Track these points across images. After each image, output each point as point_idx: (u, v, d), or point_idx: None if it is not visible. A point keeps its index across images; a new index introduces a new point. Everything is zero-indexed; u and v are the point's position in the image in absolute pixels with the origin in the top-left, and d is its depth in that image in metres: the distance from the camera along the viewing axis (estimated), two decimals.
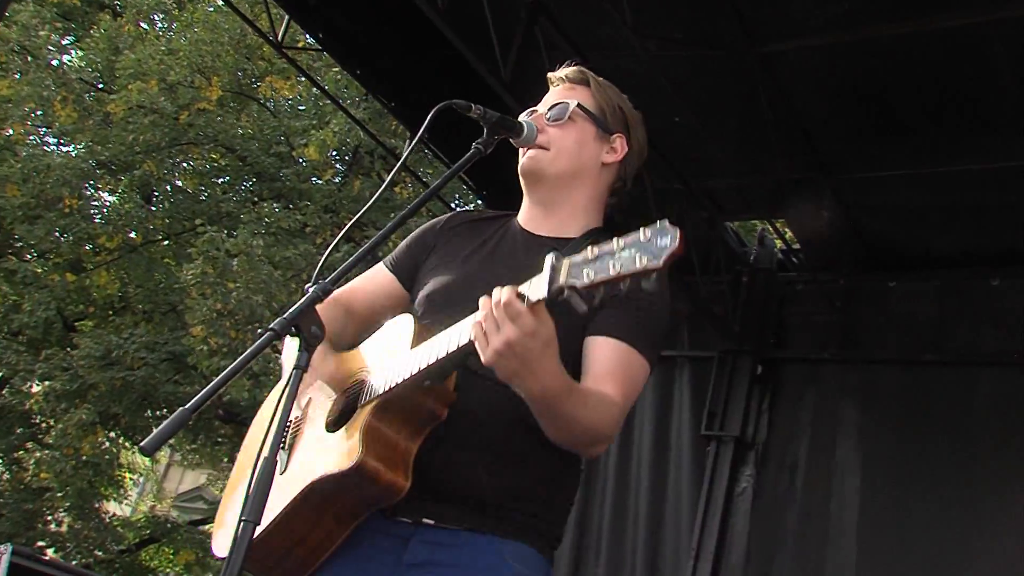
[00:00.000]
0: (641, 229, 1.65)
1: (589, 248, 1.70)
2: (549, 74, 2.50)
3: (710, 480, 7.30)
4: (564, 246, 2.28)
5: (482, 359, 1.84)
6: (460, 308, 2.20)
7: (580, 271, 1.69)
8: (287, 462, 2.16)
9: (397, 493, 1.98)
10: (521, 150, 2.37)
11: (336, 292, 2.06)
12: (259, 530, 2.01)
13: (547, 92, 2.48)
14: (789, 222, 7.62)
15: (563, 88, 2.44)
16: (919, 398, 6.91)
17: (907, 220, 7.00)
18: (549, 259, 1.76)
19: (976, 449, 6.54)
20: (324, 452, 2.07)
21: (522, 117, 2.41)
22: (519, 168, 2.36)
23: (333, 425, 2.13)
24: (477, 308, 2.18)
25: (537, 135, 2.32)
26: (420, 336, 2.04)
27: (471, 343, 1.87)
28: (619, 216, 6.47)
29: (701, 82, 6.20)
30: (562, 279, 1.72)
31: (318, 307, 2.30)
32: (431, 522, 2.07)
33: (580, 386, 1.99)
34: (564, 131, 2.34)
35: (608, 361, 2.11)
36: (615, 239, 1.68)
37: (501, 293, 1.82)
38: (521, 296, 1.81)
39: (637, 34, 5.51)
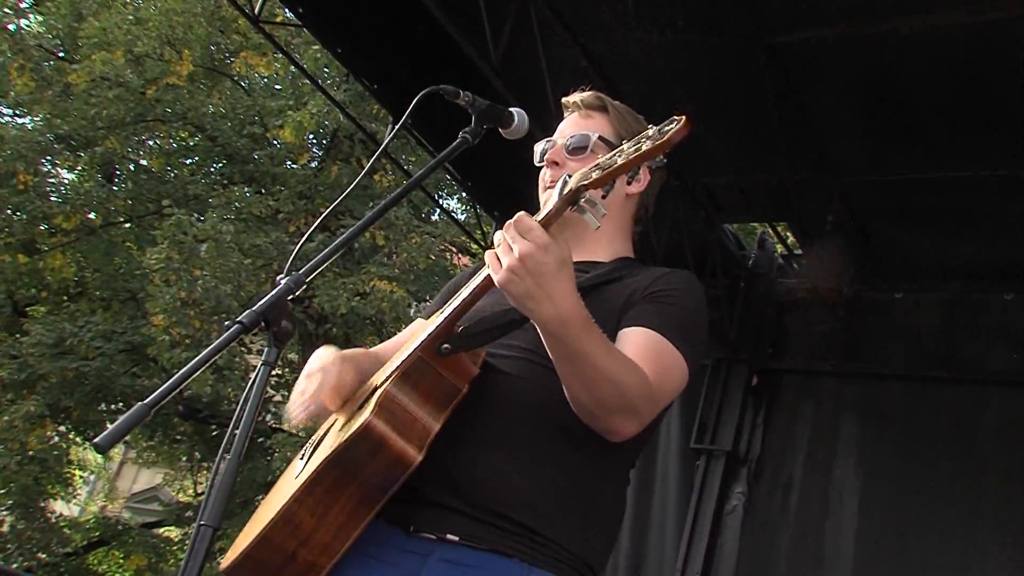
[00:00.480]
0: (652, 127, 1.78)
1: (598, 159, 1.83)
2: (564, 99, 2.52)
3: (698, 496, 7.31)
4: (594, 269, 2.31)
5: (496, 282, 1.87)
6: None
7: (588, 174, 1.81)
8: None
9: (407, 465, 1.94)
10: (541, 184, 2.41)
11: (375, 349, 2.11)
12: (259, 527, 1.98)
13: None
14: (791, 225, 7.64)
15: (579, 116, 2.46)
16: (924, 416, 6.94)
17: (917, 227, 7.02)
18: (562, 179, 1.86)
19: (983, 473, 6.56)
20: (340, 434, 2.05)
21: (538, 148, 2.46)
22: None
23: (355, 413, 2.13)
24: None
25: (557, 167, 2.38)
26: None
27: (488, 282, 1.91)
28: None
29: (703, 72, 6.20)
30: (572, 183, 1.81)
31: (359, 354, 2.28)
32: (455, 538, 2.02)
33: (605, 336, 1.96)
34: (585, 165, 2.34)
35: (638, 347, 2.08)
36: (623, 143, 1.81)
37: (516, 216, 1.87)
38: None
39: (638, 18, 5.51)
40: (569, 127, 2.45)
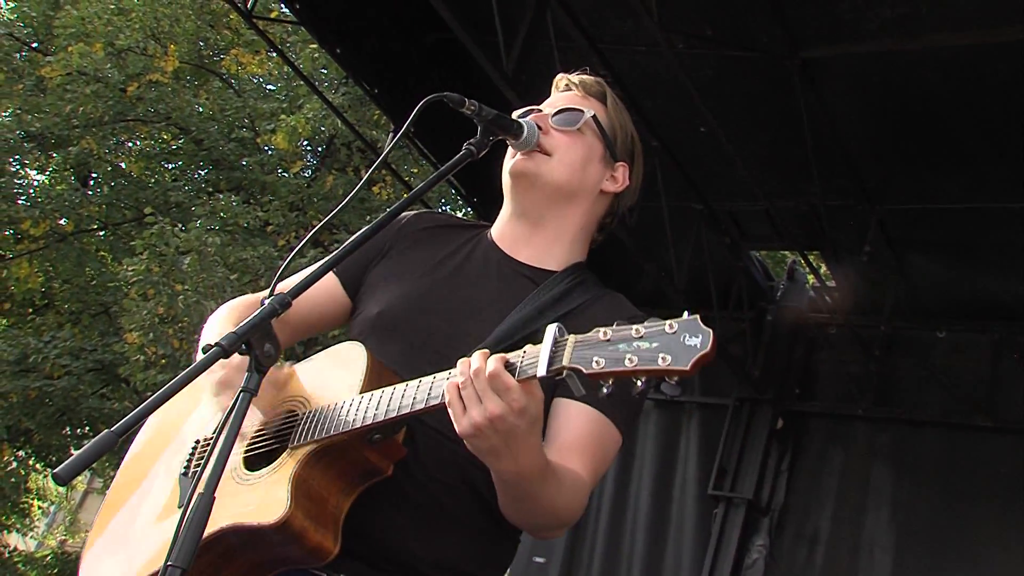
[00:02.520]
0: (667, 321, 1.67)
1: (602, 329, 1.71)
2: (561, 75, 2.50)
3: (716, 548, 7.29)
4: (544, 279, 2.29)
5: (456, 429, 1.84)
6: (413, 334, 2.19)
7: (588, 356, 1.70)
8: (190, 493, 2.11)
9: (323, 557, 1.97)
10: (511, 151, 2.36)
11: (261, 295, 2.00)
12: (124, 546, 2.03)
13: (551, 91, 2.49)
14: (824, 255, 7.65)
15: (575, 94, 2.43)
16: (964, 468, 6.92)
17: (960, 260, 7.03)
18: (551, 332, 1.76)
19: None
20: (240, 494, 2.05)
21: (517, 114, 2.39)
22: (508, 169, 2.35)
23: (252, 463, 2.11)
24: (433, 336, 2.18)
25: (539, 137, 2.31)
26: (374, 377, 2.02)
27: (441, 405, 1.86)
28: (627, 237, 6.48)
29: (731, 88, 6.23)
30: (565, 359, 1.72)
31: (241, 308, 2.25)
32: None
33: (554, 466, 1.99)
34: (571, 140, 2.34)
35: (579, 432, 2.11)
36: (632, 326, 1.69)
37: (487, 362, 1.80)
38: (511, 367, 1.80)
39: (662, 28, 5.54)
40: (561, 100, 2.43)
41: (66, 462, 1.65)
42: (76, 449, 15.76)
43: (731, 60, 5.98)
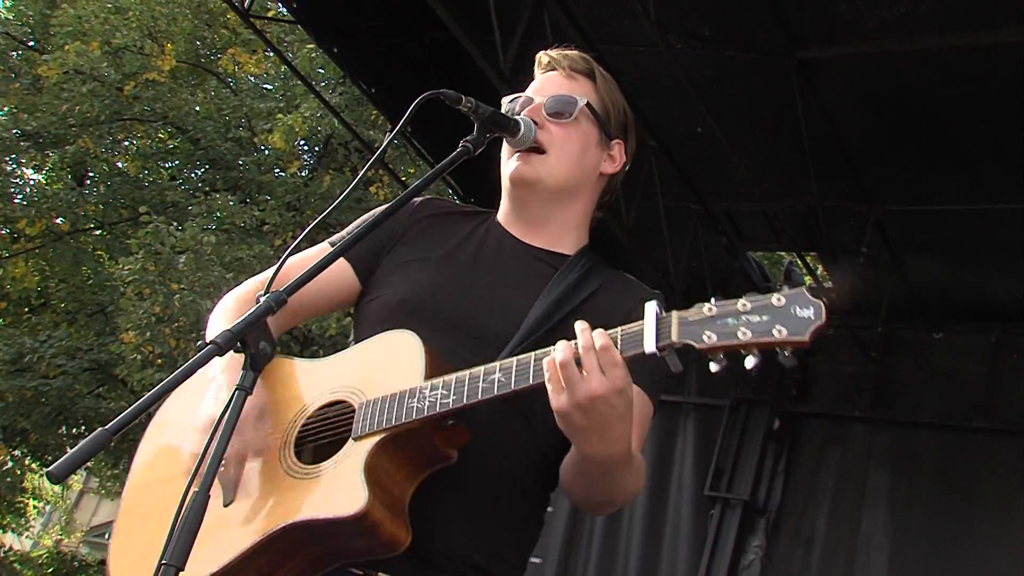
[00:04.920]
0: (774, 293, 1.68)
1: (706, 305, 1.71)
2: (544, 52, 2.45)
3: (712, 548, 7.29)
4: (560, 263, 2.29)
5: (554, 405, 1.82)
6: (441, 319, 2.17)
7: (698, 330, 1.70)
8: (232, 492, 2.08)
9: (396, 548, 1.94)
10: (507, 149, 2.33)
11: (264, 275, 1.95)
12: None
13: (534, 71, 2.45)
14: (822, 256, 7.65)
15: (562, 75, 2.38)
16: (962, 469, 6.92)
17: (958, 262, 7.04)
18: (652, 308, 1.75)
19: None
20: (301, 488, 2.01)
21: (506, 101, 2.37)
22: (508, 175, 2.32)
23: (305, 455, 2.08)
24: (460, 320, 2.17)
25: (536, 133, 2.28)
26: (432, 364, 2.00)
27: (531, 388, 1.84)
28: (625, 237, 6.48)
29: (729, 88, 6.23)
30: (674, 335, 1.71)
31: (247, 298, 2.24)
32: None
33: (633, 450, 1.98)
34: (568, 132, 2.31)
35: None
36: (737, 300, 1.69)
37: (595, 336, 1.78)
38: (615, 342, 1.78)
39: (660, 28, 5.54)
40: (550, 85, 2.36)
41: (60, 460, 1.64)
42: (73, 448, 15.72)
43: (729, 60, 5.98)
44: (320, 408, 2.11)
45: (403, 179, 13.15)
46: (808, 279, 8.26)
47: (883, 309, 7.40)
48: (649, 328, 1.73)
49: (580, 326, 1.81)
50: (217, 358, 1.77)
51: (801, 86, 5.83)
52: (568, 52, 2.42)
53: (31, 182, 16.65)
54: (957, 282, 7.20)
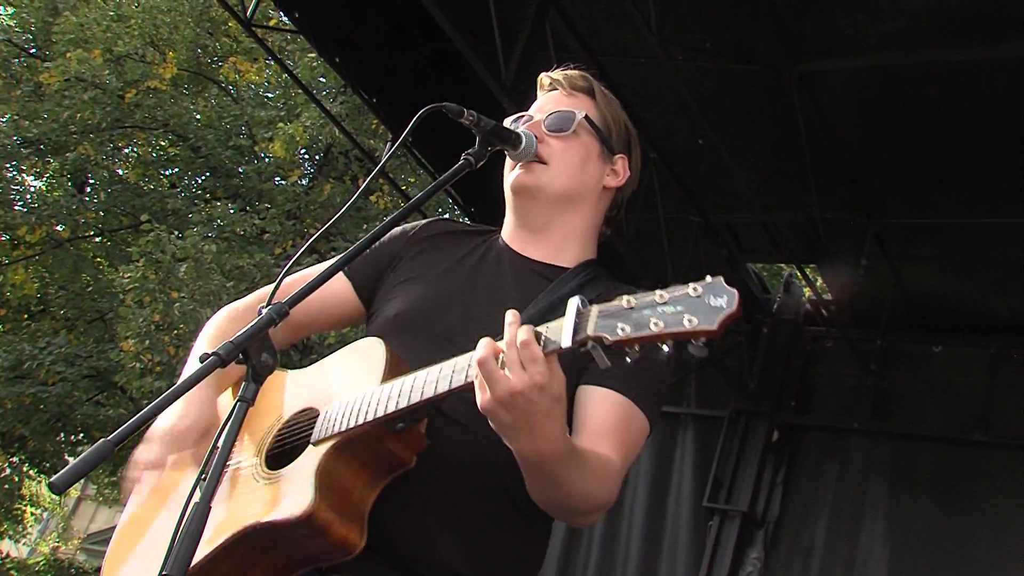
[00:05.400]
0: (690, 284, 1.66)
1: (625, 297, 1.69)
2: (545, 74, 2.49)
3: (710, 560, 7.28)
4: (558, 276, 2.30)
5: (479, 403, 1.84)
6: (433, 332, 2.19)
7: (612, 323, 1.68)
8: (186, 502, 2.09)
9: (348, 551, 1.95)
10: (509, 163, 2.36)
11: (264, 290, 1.96)
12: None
13: (537, 93, 2.48)
14: (822, 268, 7.66)
15: (562, 94, 2.43)
16: (961, 483, 6.92)
17: (958, 274, 7.05)
18: (574, 303, 1.74)
19: None
20: (261, 493, 2.05)
21: (508, 122, 2.39)
22: (510, 184, 2.35)
23: (273, 461, 2.11)
24: (452, 333, 2.18)
25: (536, 147, 2.31)
26: (394, 368, 2.04)
27: (466, 386, 1.85)
28: (625, 249, 6.49)
29: (730, 100, 6.25)
30: (590, 329, 1.70)
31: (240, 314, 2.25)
32: None
33: (579, 450, 1.97)
34: (567, 145, 2.34)
35: (607, 418, 2.11)
36: (656, 291, 1.67)
37: (516, 331, 1.78)
38: (538, 338, 1.78)
39: (661, 40, 5.55)
40: (550, 103, 2.41)
41: (62, 471, 1.64)
42: (70, 456, 15.74)
43: (730, 73, 6.00)
44: (294, 415, 2.15)
45: (404, 188, 13.17)
46: (807, 291, 8.27)
47: (883, 321, 7.40)
48: (568, 322, 1.72)
49: (508, 319, 1.81)
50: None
51: (802, 99, 5.85)
52: (568, 72, 2.46)
53: (31, 189, 16.68)
54: (956, 295, 7.21)
